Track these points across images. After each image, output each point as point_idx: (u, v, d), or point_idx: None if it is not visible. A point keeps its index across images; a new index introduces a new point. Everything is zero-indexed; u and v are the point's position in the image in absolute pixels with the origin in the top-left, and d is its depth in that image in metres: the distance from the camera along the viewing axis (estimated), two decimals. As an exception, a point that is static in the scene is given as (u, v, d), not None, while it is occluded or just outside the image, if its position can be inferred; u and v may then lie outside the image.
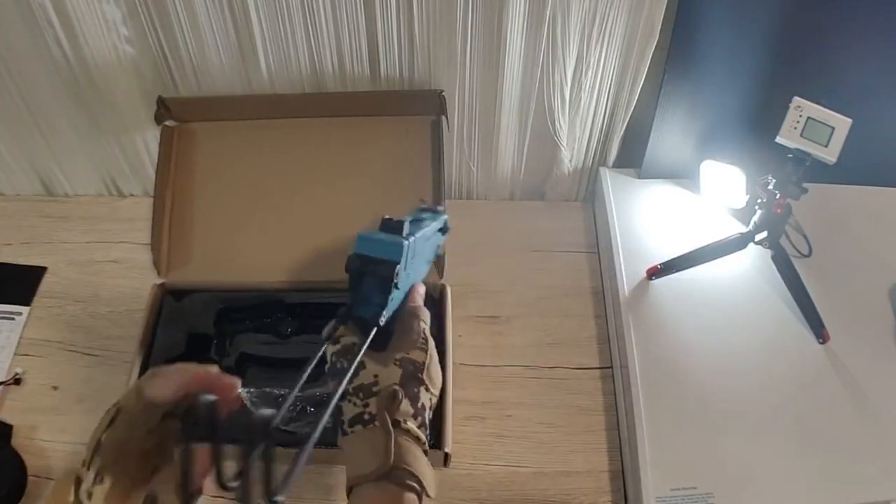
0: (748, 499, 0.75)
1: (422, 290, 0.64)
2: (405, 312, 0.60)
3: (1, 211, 1.08)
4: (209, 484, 0.43)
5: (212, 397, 0.43)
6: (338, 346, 0.53)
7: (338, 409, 0.54)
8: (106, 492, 0.44)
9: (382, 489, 0.50)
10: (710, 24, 0.82)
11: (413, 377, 0.55)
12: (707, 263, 0.89)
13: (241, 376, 0.85)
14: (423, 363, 0.56)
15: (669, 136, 0.95)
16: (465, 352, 0.91)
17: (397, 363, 0.55)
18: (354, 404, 0.50)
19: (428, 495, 0.51)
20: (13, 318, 0.96)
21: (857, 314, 0.87)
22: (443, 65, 0.88)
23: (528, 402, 0.87)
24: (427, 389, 0.55)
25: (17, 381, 0.90)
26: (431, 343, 0.58)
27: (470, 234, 1.03)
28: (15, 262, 1.02)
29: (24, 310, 0.96)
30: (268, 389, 0.83)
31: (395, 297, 0.57)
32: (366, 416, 0.50)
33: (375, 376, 0.54)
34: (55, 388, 0.89)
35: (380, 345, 0.56)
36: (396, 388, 0.53)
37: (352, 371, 0.51)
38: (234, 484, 0.40)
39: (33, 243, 1.04)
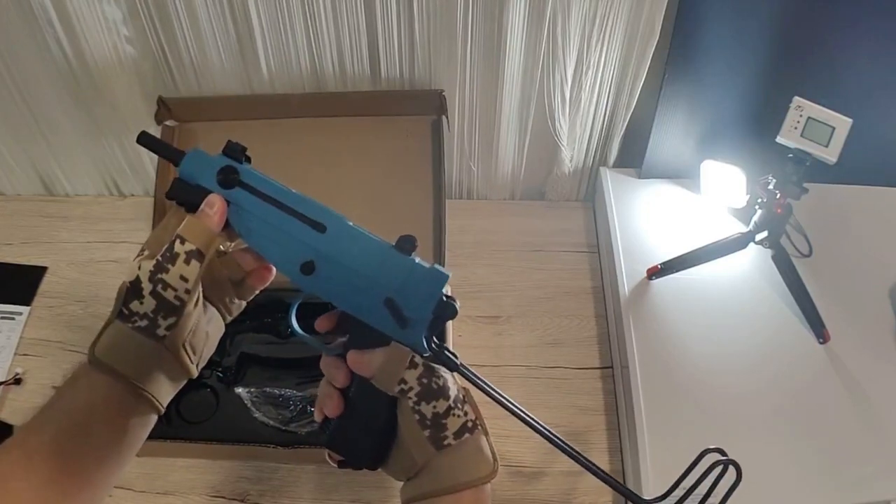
0: (748, 499, 0.75)
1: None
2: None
3: (1, 211, 1.08)
4: None
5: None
6: (420, 369, 0.51)
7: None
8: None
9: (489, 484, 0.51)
10: (710, 24, 0.82)
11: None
12: (707, 263, 0.89)
13: (241, 376, 0.86)
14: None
15: (669, 136, 0.95)
16: (465, 352, 0.90)
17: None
18: (457, 416, 0.51)
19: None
20: (13, 318, 0.96)
21: (857, 314, 0.87)
22: (443, 65, 0.88)
23: (529, 402, 0.85)
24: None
25: (17, 381, 0.90)
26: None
27: (470, 234, 1.03)
28: (15, 262, 1.02)
29: (25, 310, 0.96)
30: (268, 389, 0.84)
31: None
32: (469, 424, 0.51)
33: (457, 383, 0.54)
34: (55, 388, 0.89)
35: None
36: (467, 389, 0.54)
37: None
38: None
39: (33, 243, 1.04)
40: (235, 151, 0.54)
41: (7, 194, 1.10)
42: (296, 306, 0.54)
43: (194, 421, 0.83)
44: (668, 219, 0.97)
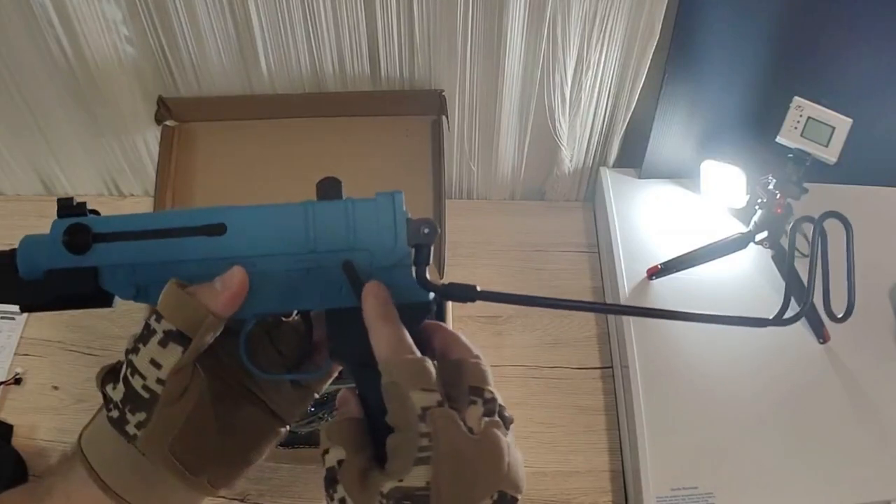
0: (748, 499, 0.75)
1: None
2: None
3: (1, 211, 1.08)
4: None
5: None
6: None
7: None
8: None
9: None
10: (710, 24, 0.82)
11: None
12: (707, 263, 0.89)
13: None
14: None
15: (669, 136, 0.95)
16: (466, 352, 0.91)
17: None
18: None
19: None
20: (13, 318, 0.96)
21: (857, 314, 0.86)
22: (443, 65, 0.88)
23: (529, 402, 0.87)
24: None
25: (17, 381, 0.90)
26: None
27: (470, 234, 1.03)
28: (15, 262, 1.02)
29: (25, 310, 0.96)
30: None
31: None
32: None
33: None
34: (55, 388, 0.89)
35: None
36: None
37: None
38: None
39: (33, 243, 1.04)
40: (70, 207, 0.42)
41: (7, 194, 1.10)
42: (245, 337, 0.42)
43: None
44: (668, 219, 0.97)
